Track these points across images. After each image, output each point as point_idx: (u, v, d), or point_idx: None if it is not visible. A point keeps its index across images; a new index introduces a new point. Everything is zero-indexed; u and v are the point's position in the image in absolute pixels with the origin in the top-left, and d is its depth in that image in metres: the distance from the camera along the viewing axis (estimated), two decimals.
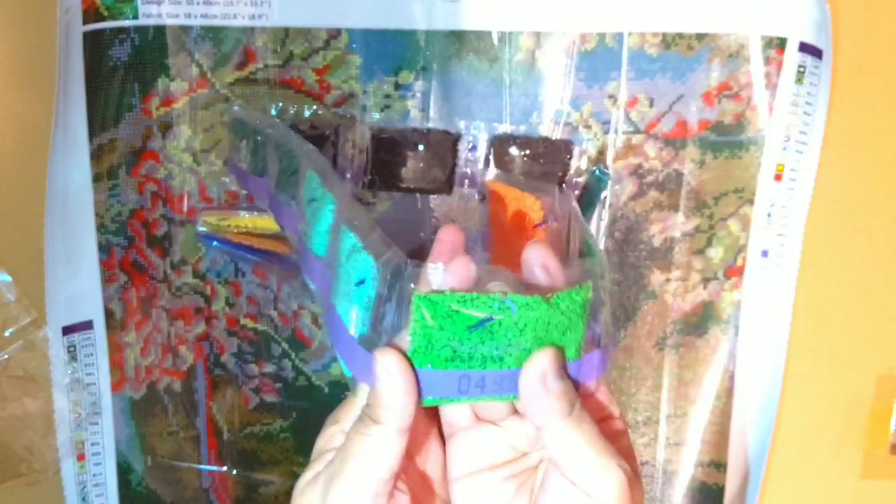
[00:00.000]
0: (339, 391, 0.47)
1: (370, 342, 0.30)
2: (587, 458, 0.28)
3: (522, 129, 0.44)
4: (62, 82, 0.44)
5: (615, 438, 0.30)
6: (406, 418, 0.28)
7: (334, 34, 0.43)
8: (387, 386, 0.28)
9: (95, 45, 0.43)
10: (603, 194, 0.45)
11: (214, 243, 0.44)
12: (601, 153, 0.45)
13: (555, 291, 0.28)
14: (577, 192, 0.45)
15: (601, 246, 0.46)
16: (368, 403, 0.29)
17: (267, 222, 0.44)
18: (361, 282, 0.31)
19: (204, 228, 0.44)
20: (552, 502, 0.30)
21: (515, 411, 0.32)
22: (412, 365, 0.28)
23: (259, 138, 0.39)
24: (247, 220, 0.44)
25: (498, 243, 0.42)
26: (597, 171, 0.45)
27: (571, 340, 0.29)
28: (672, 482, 0.49)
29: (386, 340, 0.29)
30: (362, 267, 0.31)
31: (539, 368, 0.28)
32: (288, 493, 0.47)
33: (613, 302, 0.47)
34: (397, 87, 0.44)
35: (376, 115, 0.44)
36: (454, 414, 0.32)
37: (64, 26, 0.43)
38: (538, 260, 0.30)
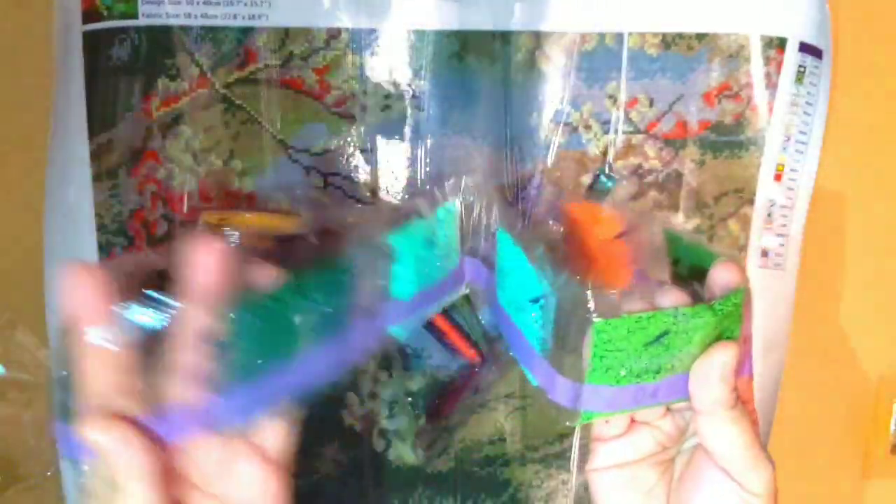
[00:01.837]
0: (339, 391, 0.47)
1: (554, 359, 0.32)
2: (745, 449, 0.30)
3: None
4: (62, 82, 0.44)
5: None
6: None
7: (334, 34, 0.43)
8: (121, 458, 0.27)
9: (95, 45, 0.43)
10: (608, 198, 0.45)
11: None
12: (605, 155, 0.45)
13: (714, 298, 0.30)
14: (581, 195, 0.45)
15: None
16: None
17: (268, 220, 0.44)
18: (536, 300, 0.33)
19: (203, 229, 0.44)
20: (700, 488, 0.32)
21: (667, 411, 0.34)
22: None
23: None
24: (247, 218, 0.44)
25: (576, 259, 0.43)
26: (602, 176, 0.45)
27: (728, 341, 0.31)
28: None
29: (570, 361, 0.32)
30: (533, 284, 0.33)
31: (721, 360, 0.30)
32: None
33: None
34: (397, 87, 0.44)
35: (376, 115, 0.44)
36: (608, 429, 0.35)
37: (63, 26, 0.43)
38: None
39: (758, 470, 0.31)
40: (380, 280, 0.34)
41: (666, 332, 0.30)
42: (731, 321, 0.31)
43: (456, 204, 0.38)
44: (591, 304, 0.30)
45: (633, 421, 0.34)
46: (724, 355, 0.30)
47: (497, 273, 0.37)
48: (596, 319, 0.29)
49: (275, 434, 0.31)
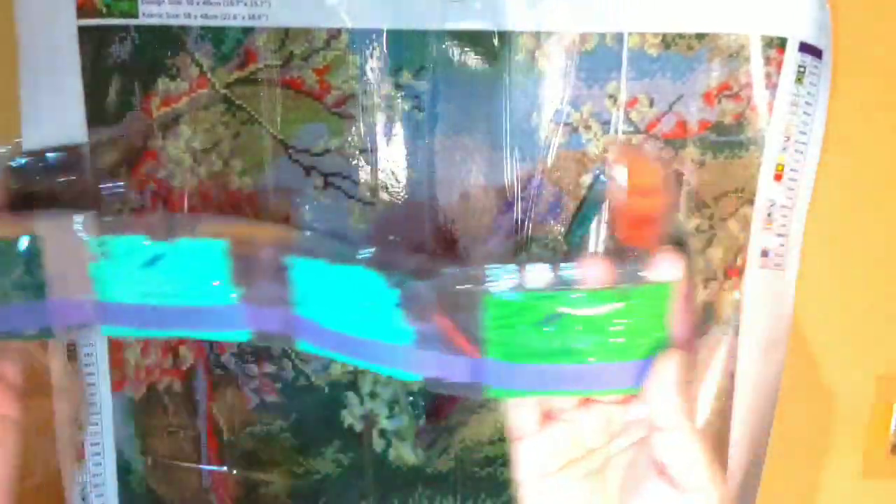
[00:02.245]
0: (339, 391, 0.47)
1: (434, 343, 0.32)
2: (701, 464, 0.29)
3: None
4: (54, 79, 0.43)
5: None
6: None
7: (334, 34, 0.43)
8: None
9: (94, 43, 0.43)
10: (607, 198, 0.45)
11: None
12: (605, 154, 0.45)
13: (630, 285, 0.29)
14: (581, 195, 0.45)
15: (601, 246, 0.46)
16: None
17: (264, 231, 0.44)
18: (390, 300, 0.32)
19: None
20: (651, 501, 0.30)
21: (582, 403, 0.32)
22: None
23: None
24: (245, 228, 0.44)
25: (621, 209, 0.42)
26: (602, 176, 0.45)
27: (651, 338, 0.29)
28: None
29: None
30: (378, 288, 0.32)
31: (675, 368, 0.29)
32: (288, 493, 0.48)
33: None
34: (397, 87, 0.44)
35: (376, 115, 0.44)
36: (521, 419, 0.33)
37: (48, 19, 0.42)
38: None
39: (712, 487, 0.29)
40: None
41: (558, 315, 0.29)
42: (652, 316, 0.29)
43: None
44: (489, 277, 0.29)
45: (546, 417, 0.33)
46: (675, 363, 0.29)
47: (310, 305, 0.36)
48: (487, 293, 0.29)
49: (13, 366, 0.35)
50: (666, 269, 0.30)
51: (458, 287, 0.31)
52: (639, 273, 0.30)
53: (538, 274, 0.30)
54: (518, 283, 0.30)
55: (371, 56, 0.43)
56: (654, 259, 0.30)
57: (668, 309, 0.29)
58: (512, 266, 0.30)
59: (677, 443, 0.29)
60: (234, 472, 0.48)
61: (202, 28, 0.43)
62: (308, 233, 0.43)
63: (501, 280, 0.30)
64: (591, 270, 0.30)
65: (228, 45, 0.43)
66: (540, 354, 0.30)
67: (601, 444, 0.32)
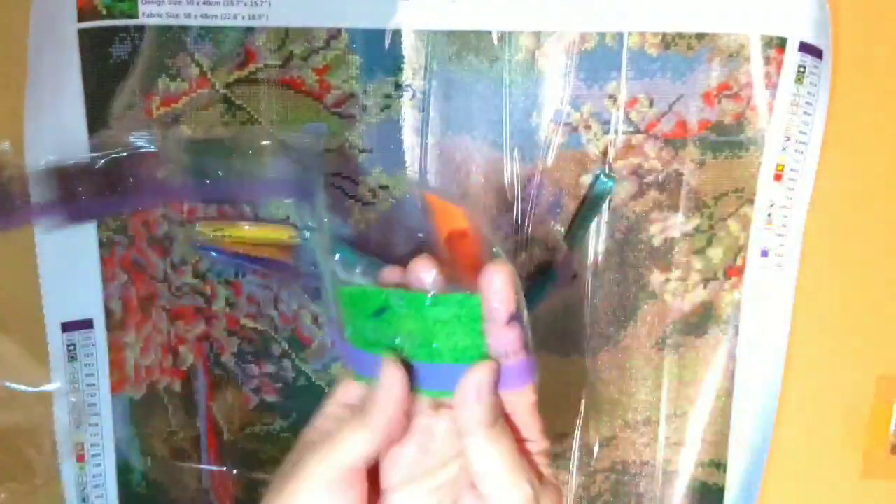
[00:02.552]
0: None
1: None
2: (500, 471, 0.30)
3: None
4: (56, 80, 0.43)
5: (528, 460, 0.32)
6: (393, 426, 0.31)
7: (334, 34, 0.43)
8: (386, 392, 0.31)
9: (94, 44, 0.43)
10: (608, 198, 0.45)
11: (212, 254, 0.44)
12: (605, 155, 0.45)
13: (442, 292, 0.31)
14: (582, 194, 0.45)
15: (601, 246, 0.46)
16: (368, 401, 0.31)
17: (263, 231, 0.44)
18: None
19: (199, 240, 0.44)
20: None
21: (433, 408, 0.33)
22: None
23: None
24: (244, 230, 0.44)
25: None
26: (602, 175, 0.45)
27: (459, 344, 0.31)
28: (672, 482, 0.49)
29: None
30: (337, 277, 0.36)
31: (478, 378, 0.30)
32: None
33: (612, 302, 0.47)
34: (397, 87, 0.44)
35: (376, 115, 0.44)
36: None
37: (48, 22, 0.43)
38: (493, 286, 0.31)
39: (512, 494, 0.30)
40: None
41: (384, 309, 0.31)
42: (461, 324, 0.30)
43: None
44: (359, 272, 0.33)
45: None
46: (479, 374, 0.30)
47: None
48: (340, 287, 0.32)
49: None
50: (487, 282, 0.30)
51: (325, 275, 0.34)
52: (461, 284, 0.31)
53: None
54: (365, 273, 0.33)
55: (371, 56, 0.43)
56: (484, 272, 0.30)
57: (478, 320, 0.30)
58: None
59: (477, 446, 0.30)
60: (234, 472, 0.48)
61: (202, 28, 0.43)
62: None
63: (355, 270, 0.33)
64: (422, 273, 0.31)
65: (228, 45, 0.43)
66: (377, 345, 0.32)
67: (452, 454, 0.32)
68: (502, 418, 0.31)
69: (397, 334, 0.31)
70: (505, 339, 0.31)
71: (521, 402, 0.32)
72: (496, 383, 0.31)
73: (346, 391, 0.34)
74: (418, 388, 0.31)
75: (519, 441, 0.32)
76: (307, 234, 0.41)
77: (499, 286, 0.30)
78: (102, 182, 0.41)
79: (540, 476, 0.32)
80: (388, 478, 0.33)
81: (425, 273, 0.31)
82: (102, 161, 0.42)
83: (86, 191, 0.41)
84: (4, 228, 0.43)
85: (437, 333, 0.31)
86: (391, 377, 0.31)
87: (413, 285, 0.32)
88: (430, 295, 0.30)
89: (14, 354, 0.45)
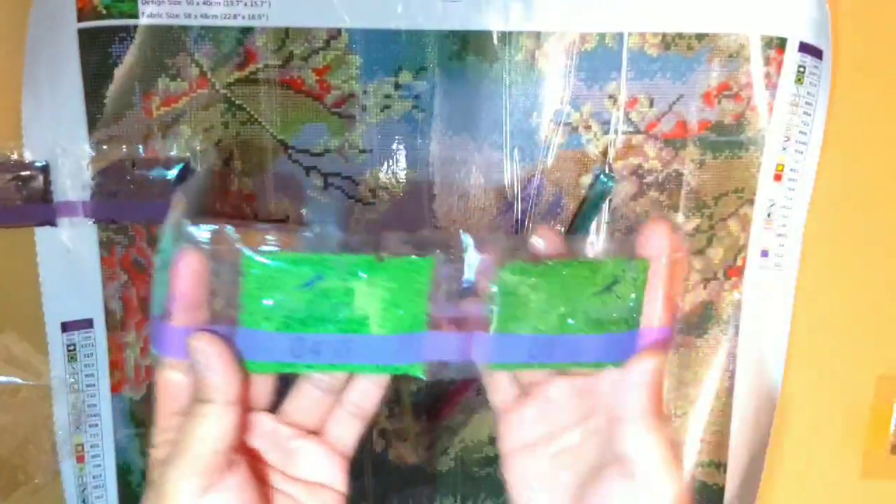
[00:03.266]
0: None
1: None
2: (661, 460, 0.29)
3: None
4: (54, 79, 0.43)
5: None
6: (232, 392, 0.29)
7: (334, 34, 0.43)
8: (206, 367, 0.28)
9: (94, 43, 0.43)
10: (608, 198, 0.45)
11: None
12: (605, 155, 0.45)
13: (393, 255, 0.29)
14: (582, 194, 0.45)
15: (601, 246, 0.46)
16: (196, 385, 0.29)
17: (264, 235, 0.44)
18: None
19: None
20: (607, 491, 0.30)
21: (553, 376, 0.32)
22: (228, 336, 0.28)
23: None
24: (245, 232, 0.44)
25: None
26: (602, 175, 0.45)
27: (413, 310, 0.29)
28: None
29: (221, 304, 0.29)
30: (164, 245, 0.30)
31: (648, 366, 0.29)
32: None
33: None
34: (397, 87, 0.44)
35: (376, 115, 0.44)
36: (500, 397, 0.33)
37: (48, 21, 0.42)
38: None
39: (670, 484, 0.29)
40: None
41: (319, 277, 0.28)
42: (413, 287, 0.29)
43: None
44: (240, 245, 0.28)
45: (524, 393, 0.33)
46: (650, 360, 0.30)
47: None
48: (244, 253, 0.28)
49: (348, 430, 0.33)
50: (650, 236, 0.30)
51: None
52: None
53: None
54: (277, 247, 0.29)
55: (371, 56, 0.43)
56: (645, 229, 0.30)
57: (428, 285, 0.29)
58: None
59: (641, 436, 0.29)
60: None
61: (202, 28, 0.43)
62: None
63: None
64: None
65: (228, 45, 0.43)
66: (297, 323, 0.29)
67: (574, 420, 0.32)
68: (662, 405, 0.30)
69: (333, 307, 0.29)
70: (659, 304, 0.30)
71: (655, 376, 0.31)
72: (663, 372, 0.30)
73: (175, 397, 0.30)
74: (364, 363, 0.30)
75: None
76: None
77: (661, 235, 0.30)
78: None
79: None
80: (505, 441, 0.33)
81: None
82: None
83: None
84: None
85: (391, 300, 0.29)
86: (202, 354, 0.28)
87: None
88: (386, 256, 0.29)
89: (20, 348, 0.45)
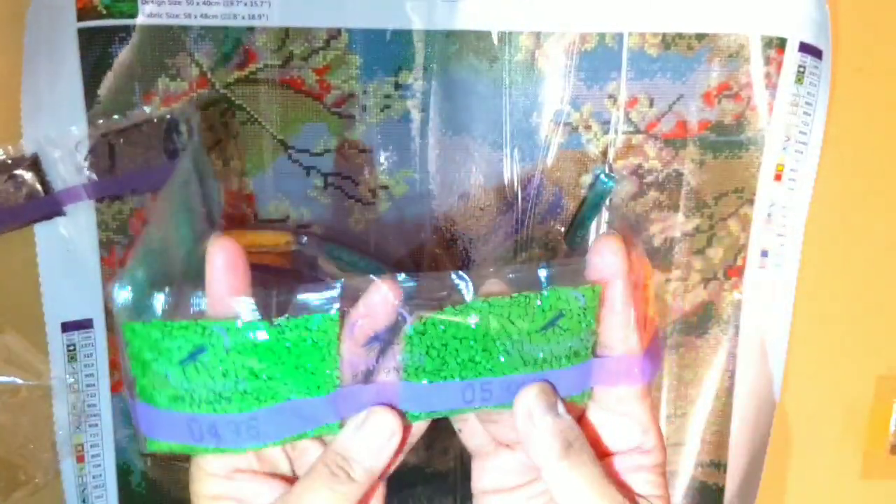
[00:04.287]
0: None
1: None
2: (582, 496, 0.27)
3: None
4: (54, 79, 0.43)
5: (635, 473, 0.29)
6: (378, 474, 0.27)
7: (334, 34, 0.43)
8: (377, 442, 0.27)
9: (94, 43, 0.43)
10: (608, 198, 0.45)
11: None
12: (605, 155, 0.45)
13: (288, 316, 0.26)
14: (582, 194, 0.45)
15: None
16: (342, 457, 0.27)
17: (261, 238, 0.44)
18: None
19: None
20: None
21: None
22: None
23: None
24: (241, 237, 0.44)
25: None
26: (602, 175, 0.45)
27: (323, 369, 0.27)
28: (672, 482, 0.49)
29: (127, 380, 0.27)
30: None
31: (525, 405, 0.27)
32: None
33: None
34: (397, 87, 0.44)
35: (376, 115, 0.44)
36: (474, 442, 0.32)
37: (47, 21, 0.42)
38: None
39: None
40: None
41: (200, 350, 0.25)
42: (319, 347, 0.27)
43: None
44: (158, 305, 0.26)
45: (499, 443, 0.31)
46: (526, 400, 0.27)
47: None
48: (123, 321, 0.25)
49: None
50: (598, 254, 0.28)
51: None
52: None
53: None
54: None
55: (371, 56, 0.43)
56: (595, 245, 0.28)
57: (334, 339, 0.27)
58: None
59: (556, 480, 0.27)
60: None
61: (202, 28, 0.43)
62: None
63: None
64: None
65: (228, 45, 0.43)
66: (188, 400, 0.26)
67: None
68: (580, 440, 0.27)
69: (222, 381, 0.26)
70: (617, 321, 0.28)
71: (633, 404, 0.29)
72: (554, 405, 0.27)
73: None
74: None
75: (627, 453, 0.29)
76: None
77: (610, 251, 0.27)
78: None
79: (650, 497, 0.29)
80: (479, 483, 0.31)
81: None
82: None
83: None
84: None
85: (289, 364, 0.26)
86: (384, 423, 0.27)
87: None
88: (280, 319, 0.26)
89: (20, 348, 0.45)
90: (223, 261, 0.26)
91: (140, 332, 0.26)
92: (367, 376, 0.28)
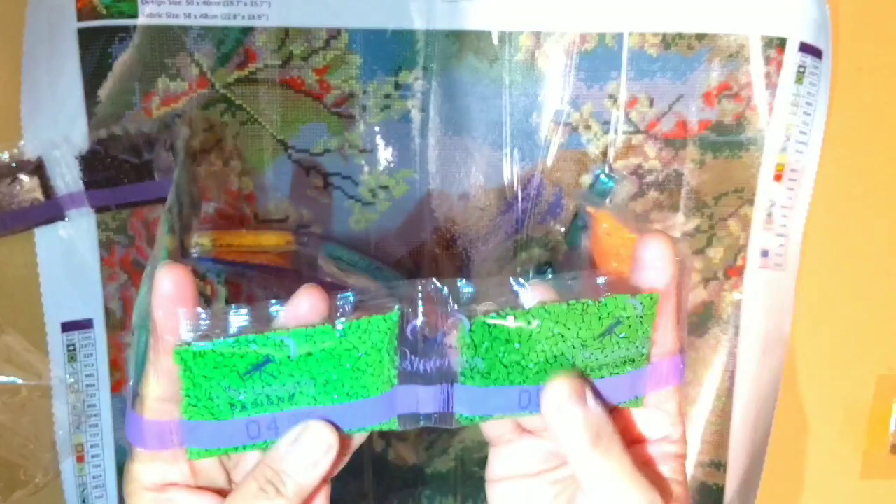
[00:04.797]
0: None
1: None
2: (615, 492, 0.27)
3: None
4: (54, 79, 0.43)
5: (662, 462, 0.29)
6: (310, 490, 0.27)
7: (334, 34, 0.43)
8: (313, 456, 0.27)
9: (94, 43, 0.43)
10: (608, 198, 0.45)
11: (211, 264, 0.44)
12: (605, 155, 0.45)
13: (350, 319, 0.27)
14: (581, 194, 0.45)
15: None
16: (274, 470, 0.27)
17: (261, 238, 0.44)
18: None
19: (196, 251, 0.44)
20: None
21: None
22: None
23: None
24: (241, 237, 0.44)
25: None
26: (602, 175, 0.45)
27: (381, 370, 0.28)
28: None
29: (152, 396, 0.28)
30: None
31: (554, 397, 0.27)
32: None
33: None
34: (397, 87, 0.44)
35: (376, 115, 0.44)
36: (495, 430, 0.32)
37: (47, 21, 0.42)
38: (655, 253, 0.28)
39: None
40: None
41: (267, 361, 0.27)
42: (376, 349, 0.27)
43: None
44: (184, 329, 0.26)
45: (521, 430, 0.31)
46: (557, 390, 0.27)
47: None
48: (176, 348, 0.26)
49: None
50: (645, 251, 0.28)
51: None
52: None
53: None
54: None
55: (371, 56, 0.43)
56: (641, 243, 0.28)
57: (393, 340, 0.28)
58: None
59: (585, 470, 0.27)
60: None
61: (202, 28, 0.43)
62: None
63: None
64: (303, 304, 0.27)
65: (228, 45, 0.43)
66: (247, 406, 0.27)
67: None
68: (609, 429, 0.27)
69: (285, 385, 0.27)
70: (669, 325, 0.28)
71: (669, 400, 0.29)
72: (582, 395, 0.27)
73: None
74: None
75: (655, 442, 0.30)
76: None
77: (657, 253, 0.27)
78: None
79: (672, 481, 0.29)
80: (494, 469, 0.32)
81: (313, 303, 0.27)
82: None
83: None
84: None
85: (344, 366, 0.27)
86: (314, 443, 0.27)
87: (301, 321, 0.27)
88: (347, 322, 0.26)
89: (20, 348, 0.45)
90: (170, 289, 0.27)
91: (197, 354, 0.26)
92: (426, 378, 0.29)
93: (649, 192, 0.45)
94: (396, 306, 0.28)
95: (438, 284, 0.28)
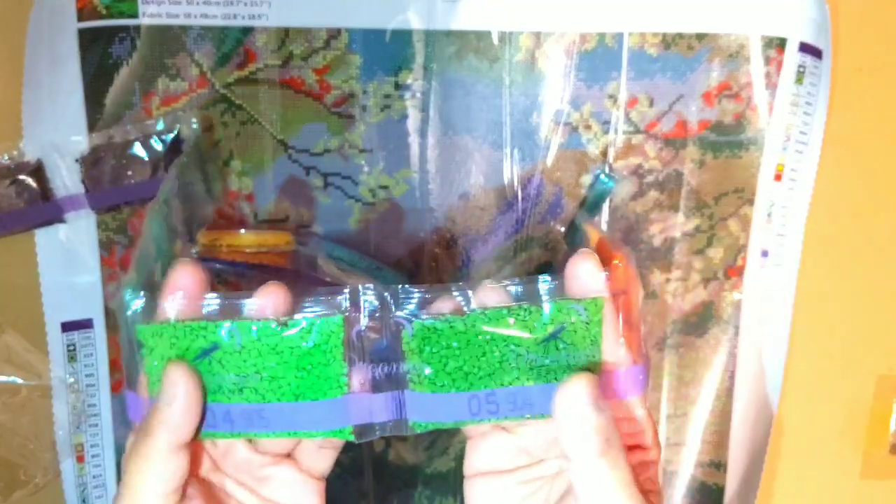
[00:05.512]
0: None
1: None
2: (609, 496, 0.26)
3: None
4: (54, 79, 0.43)
5: (640, 471, 0.29)
6: (182, 433, 0.27)
7: (334, 34, 0.43)
8: (168, 398, 0.27)
9: (94, 43, 0.43)
10: (609, 198, 0.45)
11: (211, 265, 0.44)
12: (605, 155, 0.45)
13: (294, 318, 0.28)
14: (582, 194, 0.45)
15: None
16: (146, 417, 0.28)
17: (261, 238, 0.44)
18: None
19: (196, 251, 0.44)
20: None
21: None
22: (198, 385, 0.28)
23: None
24: (241, 238, 0.44)
25: None
26: (602, 175, 0.45)
27: (328, 373, 0.28)
28: (672, 482, 0.49)
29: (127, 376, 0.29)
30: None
31: (570, 397, 0.26)
32: None
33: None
34: (397, 87, 0.44)
35: (376, 115, 0.44)
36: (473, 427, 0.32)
37: (48, 21, 0.42)
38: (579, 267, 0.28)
39: None
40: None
41: (214, 348, 0.27)
42: (324, 352, 0.28)
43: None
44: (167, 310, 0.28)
45: (496, 424, 0.31)
46: (576, 389, 0.26)
47: None
48: (139, 325, 0.27)
49: (318, 459, 0.31)
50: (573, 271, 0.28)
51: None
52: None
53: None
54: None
55: (371, 56, 0.43)
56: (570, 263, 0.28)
57: (340, 346, 0.28)
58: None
59: (589, 477, 0.26)
60: None
61: (202, 28, 0.43)
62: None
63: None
64: (269, 299, 0.28)
65: (228, 45, 0.43)
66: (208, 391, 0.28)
67: (548, 455, 0.31)
68: (617, 440, 0.27)
69: (233, 375, 0.28)
70: (614, 336, 0.28)
71: (636, 409, 0.29)
72: (600, 399, 0.27)
73: None
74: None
75: (631, 449, 0.29)
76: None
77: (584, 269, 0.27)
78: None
79: (649, 492, 0.28)
80: (472, 464, 0.32)
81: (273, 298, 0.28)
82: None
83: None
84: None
85: (292, 366, 0.28)
86: (173, 383, 0.27)
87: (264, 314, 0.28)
88: (287, 320, 0.27)
89: (20, 348, 0.45)
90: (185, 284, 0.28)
91: (155, 333, 0.28)
92: (376, 385, 0.29)
93: (649, 192, 0.45)
94: (339, 312, 0.28)
95: (381, 290, 0.28)
